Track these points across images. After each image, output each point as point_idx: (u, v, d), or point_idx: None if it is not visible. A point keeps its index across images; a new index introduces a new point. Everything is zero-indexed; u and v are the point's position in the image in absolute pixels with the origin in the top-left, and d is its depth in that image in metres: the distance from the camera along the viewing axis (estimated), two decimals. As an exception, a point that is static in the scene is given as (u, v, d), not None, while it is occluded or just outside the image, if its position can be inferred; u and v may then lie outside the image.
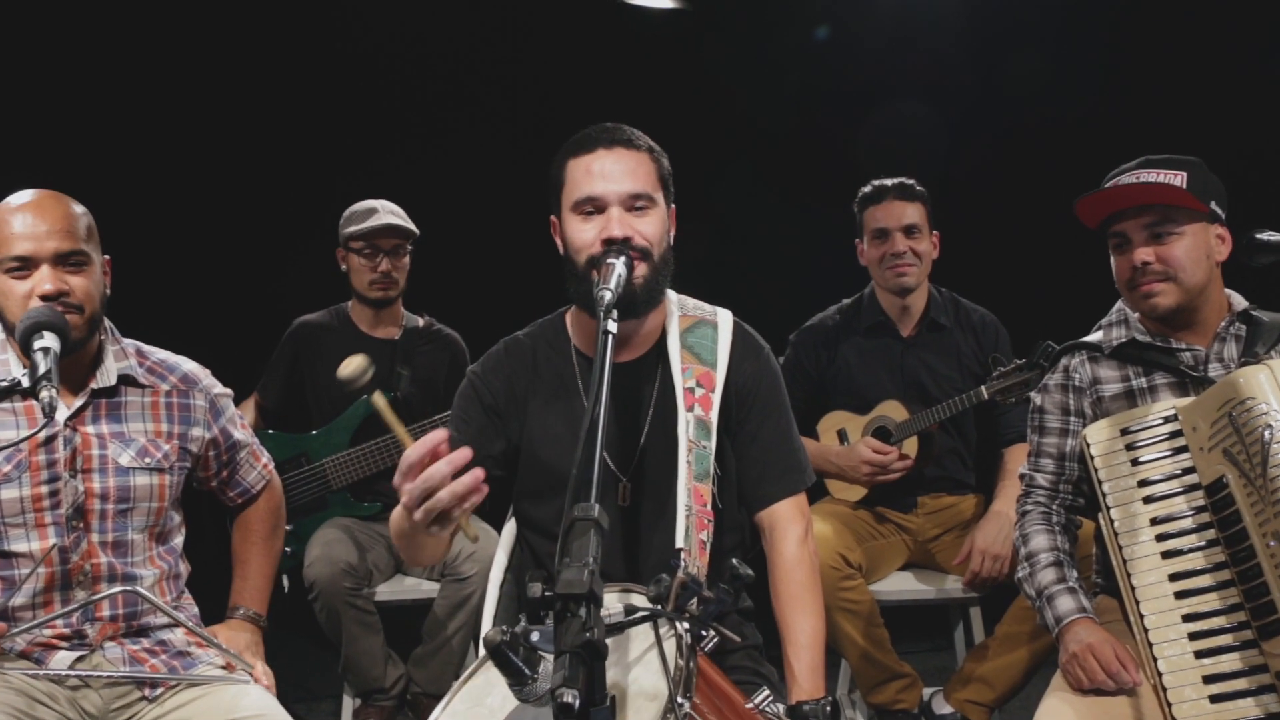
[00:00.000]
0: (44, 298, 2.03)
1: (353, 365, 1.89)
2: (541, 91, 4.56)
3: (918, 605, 3.15)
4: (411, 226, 3.43)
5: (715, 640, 1.67)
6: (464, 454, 1.49)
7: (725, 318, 2.08)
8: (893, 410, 3.16)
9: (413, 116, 4.68)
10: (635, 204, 1.91)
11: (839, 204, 3.44)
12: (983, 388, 2.95)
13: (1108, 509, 2.09)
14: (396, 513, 1.78)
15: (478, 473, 1.48)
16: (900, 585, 3.14)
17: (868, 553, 3.06)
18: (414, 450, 1.48)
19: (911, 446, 3.12)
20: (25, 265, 2.05)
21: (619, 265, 1.78)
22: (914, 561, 3.26)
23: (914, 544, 3.22)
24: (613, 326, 1.62)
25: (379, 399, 1.78)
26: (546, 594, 1.19)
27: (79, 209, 2.13)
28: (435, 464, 1.47)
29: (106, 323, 2.20)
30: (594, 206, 1.91)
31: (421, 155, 4.61)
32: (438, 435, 1.50)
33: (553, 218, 2.02)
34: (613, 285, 1.72)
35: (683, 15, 4.68)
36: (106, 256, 2.18)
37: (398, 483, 1.51)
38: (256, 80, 4.44)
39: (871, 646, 2.95)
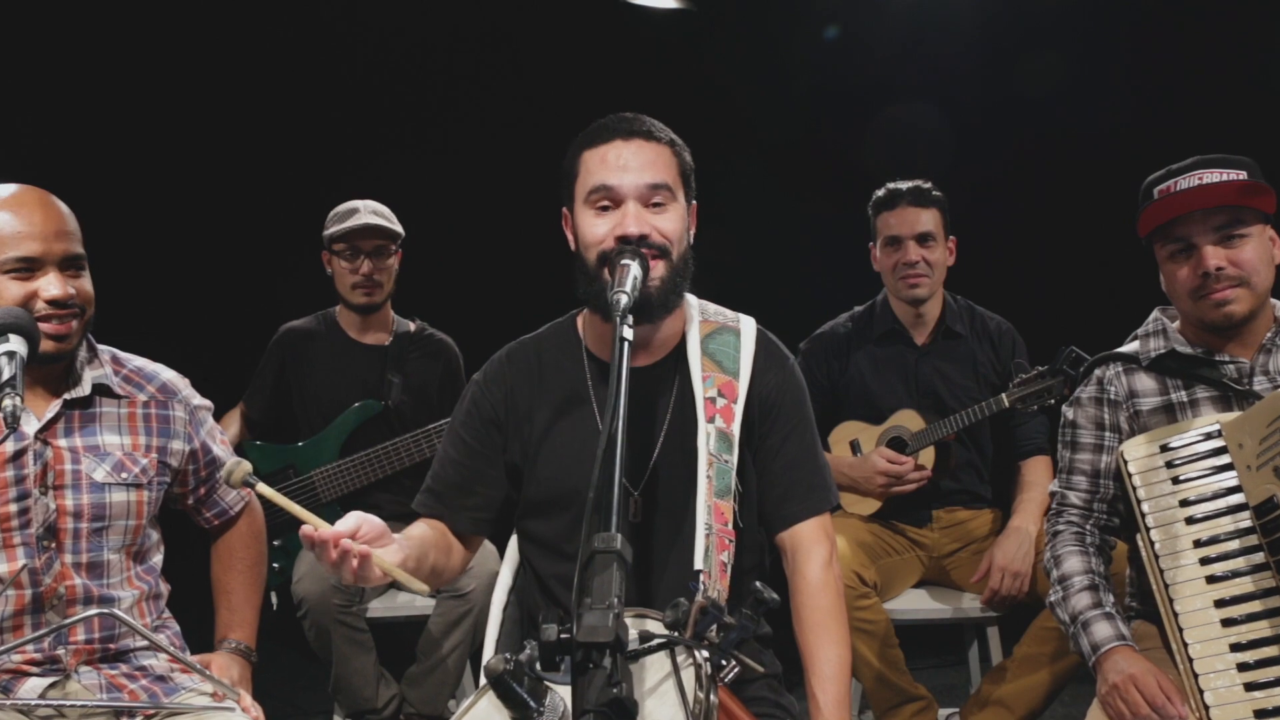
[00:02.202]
0: (52, 303, 1.89)
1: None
2: (542, 93, 4.45)
3: (933, 625, 3.03)
4: (395, 227, 3.29)
5: (736, 670, 1.56)
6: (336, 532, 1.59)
7: (748, 325, 1.95)
8: (908, 420, 3.05)
9: (410, 117, 4.58)
10: (653, 198, 1.79)
11: (850, 207, 3.33)
12: (1004, 395, 2.85)
13: (1147, 530, 1.98)
14: None
15: (346, 544, 1.58)
16: (916, 604, 3.03)
17: (882, 570, 2.95)
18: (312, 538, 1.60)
19: (928, 457, 3.01)
20: (29, 266, 1.90)
21: (634, 266, 1.66)
22: (929, 578, 3.14)
23: (929, 560, 3.10)
24: (629, 333, 1.50)
25: (262, 488, 1.70)
26: (563, 637, 1.05)
27: (67, 209, 1.99)
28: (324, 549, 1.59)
29: None
30: (609, 199, 1.79)
31: (419, 157, 4.50)
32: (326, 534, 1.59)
33: (564, 210, 1.90)
34: (628, 288, 1.60)
35: (686, 15, 4.57)
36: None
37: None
38: (247, 80, 4.35)
39: (886, 668, 2.84)
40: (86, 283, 1.98)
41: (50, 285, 1.90)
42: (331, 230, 3.27)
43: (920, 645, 3.46)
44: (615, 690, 0.99)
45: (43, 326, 1.88)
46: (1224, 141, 2.26)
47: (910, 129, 4.21)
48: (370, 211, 3.27)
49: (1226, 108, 3.89)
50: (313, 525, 1.60)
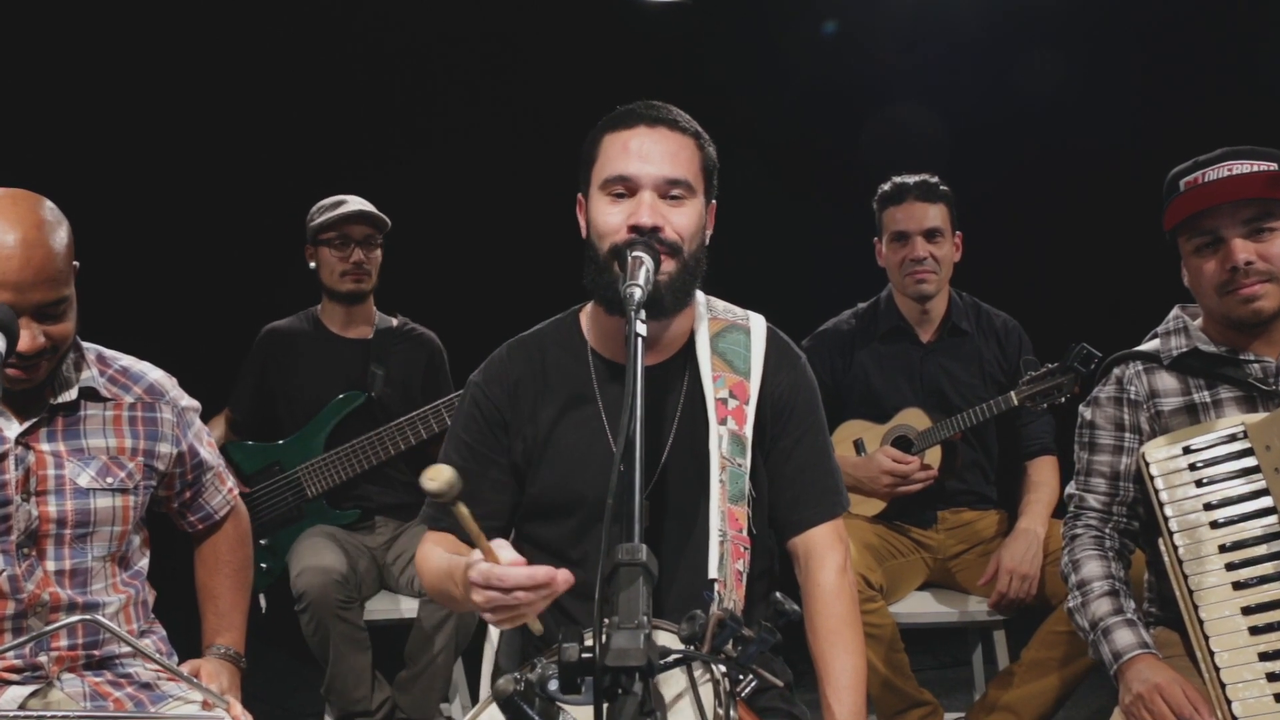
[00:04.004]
0: (21, 355, 1.76)
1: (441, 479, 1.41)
2: (534, 88, 4.36)
3: (939, 629, 2.97)
4: (383, 216, 3.26)
5: (753, 684, 1.49)
6: (547, 573, 1.41)
7: (758, 323, 1.89)
8: (914, 418, 2.99)
9: (400, 116, 4.49)
10: (671, 191, 1.72)
11: (852, 202, 3.27)
12: (1012, 393, 2.79)
13: (1170, 534, 1.92)
14: (439, 576, 1.71)
15: (557, 582, 1.41)
16: (921, 607, 2.97)
17: (887, 572, 2.89)
18: (511, 577, 1.41)
19: (934, 456, 2.95)
20: None
21: (647, 260, 1.59)
22: (933, 580, 3.08)
23: (934, 562, 3.04)
24: (642, 329, 1.42)
25: (462, 509, 1.45)
26: (585, 657, 0.97)
27: (59, 233, 1.81)
28: (525, 590, 1.40)
29: None
30: (625, 188, 1.72)
31: (407, 156, 4.42)
32: (542, 575, 1.41)
33: (579, 196, 1.83)
34: (641, 281, 1.52)
35: (683, 10, 4.48)
36: (75, 263, 1.89)
37: (476, 580, 1.43)
38: (233, 78, 4.27)
39: (892, 673, 2.78)
40: (65, 324, 1.84)
41: (21, 338, 1.75)
42: (320, 220, 3.22)
43: (919, 646, 3.40)
44: (648, 719, 0.91)
45: (6, 370, 1.75)
46: (1235, 134, 2.20)
47: (913, 124, 4.14)
48: (359, 202, 3.25)
49: (1237, 101, 3.84)
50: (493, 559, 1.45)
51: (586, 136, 1.81)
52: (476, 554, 1.47)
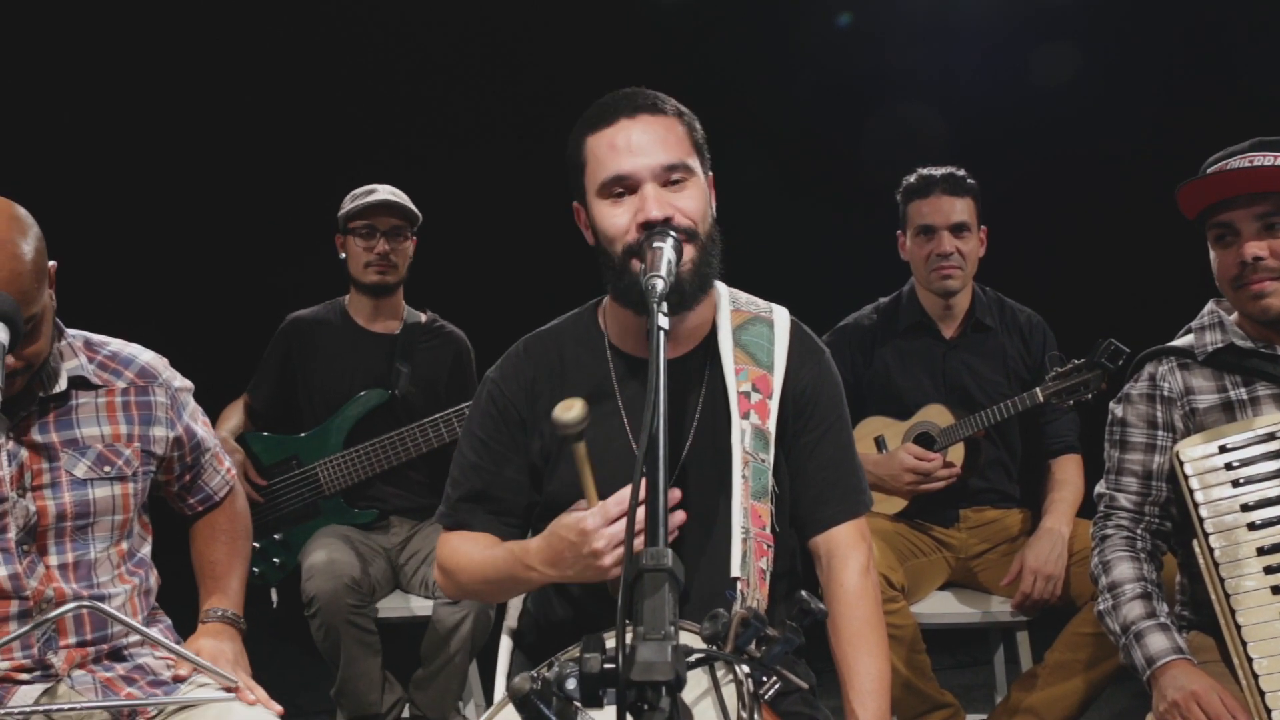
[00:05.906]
0: None
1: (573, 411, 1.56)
2: (547, 83, 4.32)
3: (961, 629, 2.92)
4: (413, 208, 3.21)
5: (776, 686, 1.44)
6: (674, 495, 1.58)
7: (781, 315, 1.84)
8: (936, 415, 2.93)
9: (415, 106, 4.48)
10: (671, 177, 1.66)
11: (872, 195, 3.21)
12: (1038, 389, 2.74)
13: (1205, 535, 1.86)
14: (491, 566, 1.76)
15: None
16: (943, 607, 2.92)
17: (909, 571, 2.84)
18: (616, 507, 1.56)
19: (957, 454, 2.90)
20: None
21: (667, 249, 1.53)
22: (955, 580, 3.03)
23: (956, 561, 2.99)
24: (664, 321, 1.38)
25: (580, 448, 1.60)
26: (607, 668, 0.92)
27: (25, 245, 1.70)
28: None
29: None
30: (624, 187, 1.66)
31: (424, 147, 4.40)
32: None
33: (575, 205, 1.77)
34: (663, 271, 1.47)
35: (697, 2, 4.44)
36: (53, 263, 1.82)
37: (592, 529, 1.57)
38: (257, 67, 4.27)
39: (913, 674, 2.73)
40: (38, 342, 1.77)
41: None
42: (349, 208, 3.18)
43: (940, 647, 3.35)
44: (676, 738, 0.87)
45: None
46: (1266, 125, 2.14)
47: (935, 117, 4.09)
48: (389, 191, 3.20)
49: (1268, 92, 3.76)
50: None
51: (567, 143, 1.74)
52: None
